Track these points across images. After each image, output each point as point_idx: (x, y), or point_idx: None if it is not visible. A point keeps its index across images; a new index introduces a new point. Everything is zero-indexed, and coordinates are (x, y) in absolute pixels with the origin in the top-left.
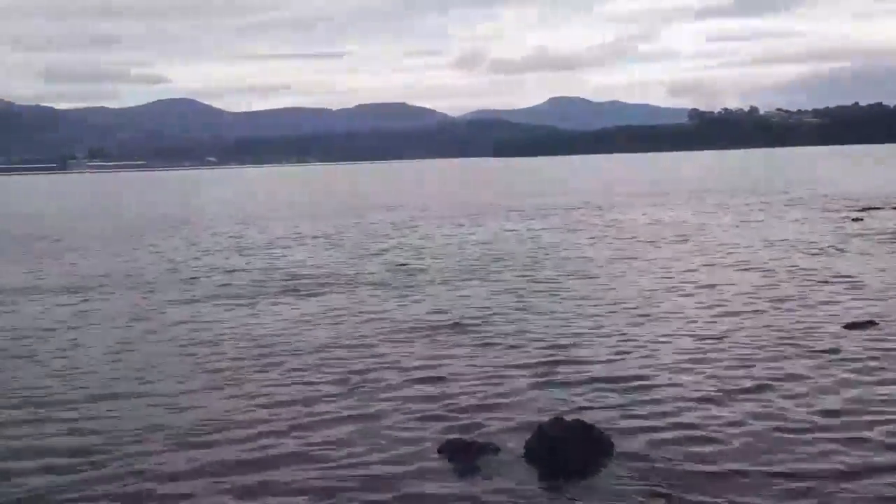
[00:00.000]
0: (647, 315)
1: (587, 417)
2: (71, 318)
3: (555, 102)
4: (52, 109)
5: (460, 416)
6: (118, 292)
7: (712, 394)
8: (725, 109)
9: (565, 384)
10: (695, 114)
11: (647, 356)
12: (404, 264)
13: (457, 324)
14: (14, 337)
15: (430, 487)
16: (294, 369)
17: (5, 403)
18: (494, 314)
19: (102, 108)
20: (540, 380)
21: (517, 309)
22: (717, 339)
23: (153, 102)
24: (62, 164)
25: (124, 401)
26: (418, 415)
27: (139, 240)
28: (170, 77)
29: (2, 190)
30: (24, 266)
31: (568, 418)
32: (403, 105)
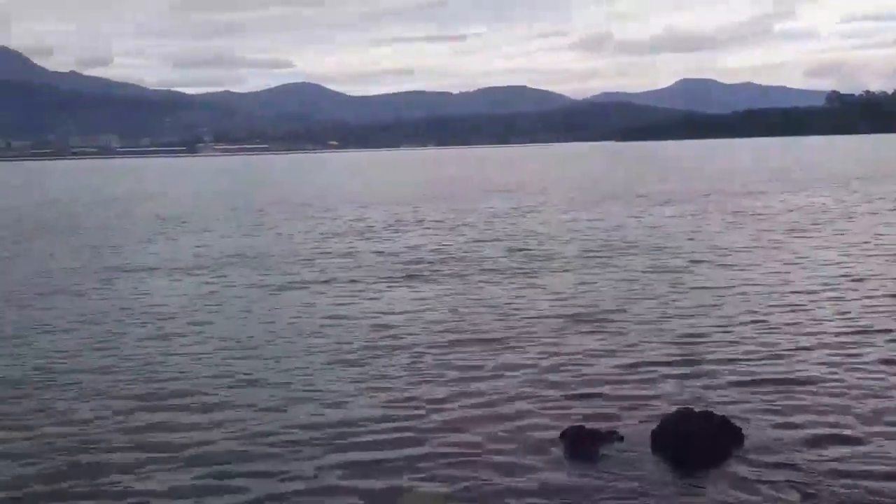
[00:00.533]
0: (787, 306)
1: (718, 410)
2: (195, 299)
3: (684, 84)
4: (181, 94)
5: (586, 405)
6: (240, 273)
7: (856, 393)
8: (867, 92)
9: (697, 376)
10: (834, 96)
11: (787, 350)
12: (526, 250)
13: (582, 313)
14: (141, 314)
15: (550, 475)
16: (416, 359)
17: (133, 392)
18: (622, 303)
19: (228, 92)
20: (670, 370)
21: (646, 298)
22: (865, 334)
23: (277, 87)
24: (191, 147)
25: (245, 390)
26: (545, 404)
27: (262, 222)
28: (294, 62)
29: (133, 173)
30: (152, 246)
31: (697, 409)
32: (525, 88)
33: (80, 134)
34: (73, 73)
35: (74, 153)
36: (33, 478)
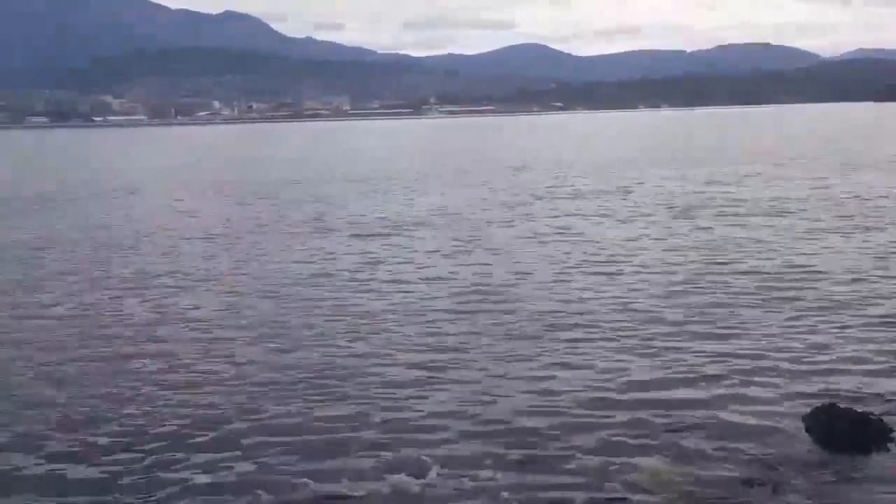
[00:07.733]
0: None
1: None
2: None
3: None
4: (408, 57)
5: (834, 382)
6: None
7: None
8: None
9: None
10: None
11: None
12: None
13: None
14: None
15: (796, 457)
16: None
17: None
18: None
19: (452, 54)
20: None
21: None
22: None
23: (502, 48)
24: (416, 109)
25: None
26: (788, 380)
27: (477, 182)
28: (518, 22)
29: (362, 133)
30: (373, 202)
31: None
32: (768, 45)
33: (313, 97)
34: (308, 38)
35: (308, 115)
36: None
